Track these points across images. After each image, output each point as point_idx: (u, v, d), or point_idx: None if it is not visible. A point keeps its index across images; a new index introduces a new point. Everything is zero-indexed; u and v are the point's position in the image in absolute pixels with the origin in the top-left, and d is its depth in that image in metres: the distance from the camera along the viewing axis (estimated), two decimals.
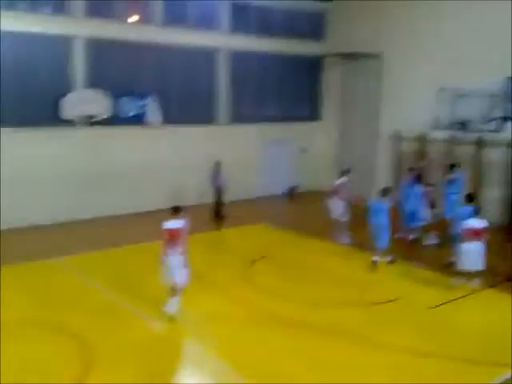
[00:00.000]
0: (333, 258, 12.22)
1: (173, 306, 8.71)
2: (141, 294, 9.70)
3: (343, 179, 13.27)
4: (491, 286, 10.35)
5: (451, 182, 13.18)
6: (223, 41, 17.96)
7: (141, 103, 15.92)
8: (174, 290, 8.73)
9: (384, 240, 11.40)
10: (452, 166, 13.42)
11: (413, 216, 13.00)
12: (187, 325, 8.82)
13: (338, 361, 7.56)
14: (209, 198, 15.83)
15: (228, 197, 16.03)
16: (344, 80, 19.50)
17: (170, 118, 16.79)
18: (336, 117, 19.96)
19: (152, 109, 15.98)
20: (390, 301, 9.68)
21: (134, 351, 7.75)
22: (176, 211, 8.85)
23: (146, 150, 16.34)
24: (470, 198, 11.08)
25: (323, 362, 7.50)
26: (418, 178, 13.16)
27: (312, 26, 20.15)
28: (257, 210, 17.21)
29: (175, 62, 17.03)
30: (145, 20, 16.38)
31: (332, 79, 20.22)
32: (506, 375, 7.14)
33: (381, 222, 11.30)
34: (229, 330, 8.56)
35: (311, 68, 20.39)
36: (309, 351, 7.82)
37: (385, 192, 11.59)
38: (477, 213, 10.26)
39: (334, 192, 13.17)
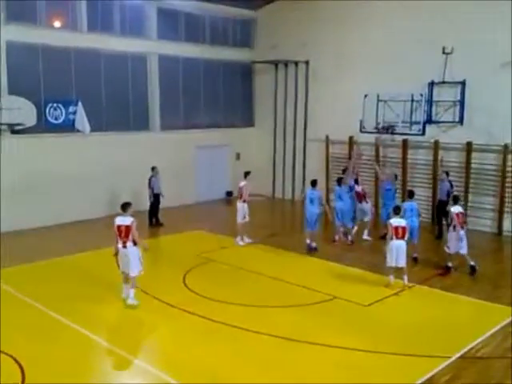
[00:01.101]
0: (268, 261, 12.42)
1: (132, 297, 9.44)
2: (71, 306, 9.44)
3: (244, 182, 13.60)
4: (422, 282, 10.85)
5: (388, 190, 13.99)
6: (152, 47, 17.76)
7: (69, 110, 15.38)
8: (128, 280, 9.48)
9: (315, 226, 12.84)
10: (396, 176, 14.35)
11: (343, 216, 13.62)
12: (125, 331, 8.80)
13: (279, 360, 7.64)
14: (145, 205, 15.59)
15: (164, 203, 15.88)
16: (275, 86, 19.83)
17: (101, 124, 16.38)
18: (269, 122, 20.24)
19: (81, 116, 15.47)
20: (325, 300, 9.91)
21: (72, 363, 7.51)
22: (124, 208, 9.51)
23: (76, 158, 15.79)
24: (412, 194, 12.32)
25: (264, 363, 7.57)
26: (339, 182, 13.81)
27: (241, 34, 20.40)
28: (193, 215, 17.13)
29: (105, 68, 16.65)
30: (69, 26, 15.90)
31: (263, 86, 20.50)
32: (441, 366, 7.48)
33: (314, 209, 12.68)
34: (167, 336, 8.52)
35: (243, 74, 20.60)
36: (249, 353, 7.88)
37: (314, 183, 13.03)
38: (398, 212, 10.77)
39: (239, 195, 13.67)
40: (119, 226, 9.38)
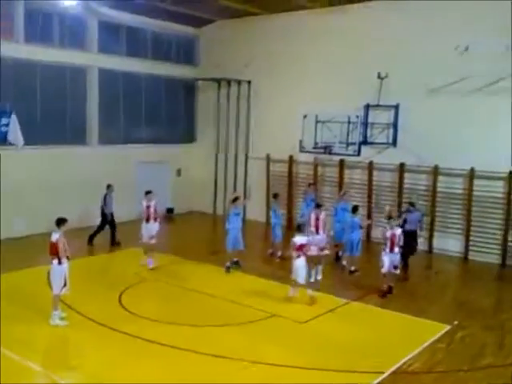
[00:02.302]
0: (207, 279, 12.36)
1: (53, 318, 9.23)
2: None
3: (144, 202, 13.31)
4: (357, 299, 11.14)
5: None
6: (92, 60, 17.44)
7: (2, 122, 14.74)
8: (53, 298, 9.28)
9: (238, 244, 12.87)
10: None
11: (273, 230, 14.18)
12: (54, 352, 8.58)
13: (219, 380, 7.60)
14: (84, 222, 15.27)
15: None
16: (217, 104, 19.93)
17: (36, 138, 15.76)
18: (211, 139, 20.27)
19: (14, 128, 14.88)
20: (264, 318, 9.96)
21: None
22: (57, 223, 9.42)
23: (7, 172, 15.08)
24: (355, 209, 12.81)
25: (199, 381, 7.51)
26: (275, 196, 14.44)
27: (184, 50, 20.41)
28: (132, 233, 16.64)
29: (41, 79, 16.18)
30: (5, 35, 15.31)
31: (206, 103, 20.57)
32: (375, 382, 7.68)
33: (237, 225, 12.85)
34: (99, 356, 8.29)
35: (185, 91, 20.58)
36: (186, 373, 7.77)
37: (235, 199, 13.31)
38: (301, 229, 11.00)
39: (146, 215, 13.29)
40: (49, 242, 9.27)
